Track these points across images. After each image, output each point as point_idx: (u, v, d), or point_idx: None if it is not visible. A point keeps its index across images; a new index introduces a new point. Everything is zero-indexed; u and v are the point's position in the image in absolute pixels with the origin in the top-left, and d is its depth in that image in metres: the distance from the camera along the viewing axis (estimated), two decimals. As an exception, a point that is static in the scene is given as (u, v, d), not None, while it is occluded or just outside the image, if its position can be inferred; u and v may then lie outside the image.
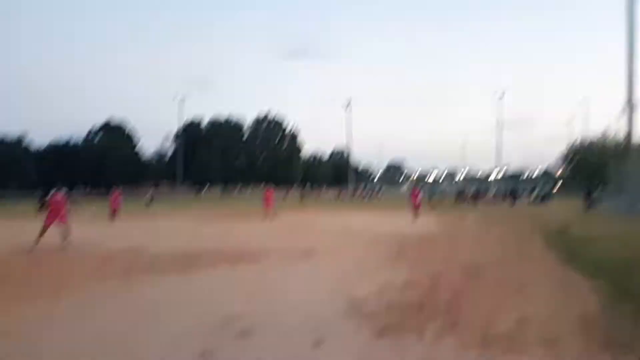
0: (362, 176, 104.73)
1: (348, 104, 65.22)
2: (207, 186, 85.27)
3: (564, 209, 26.80)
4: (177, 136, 70.48)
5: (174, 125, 72.64)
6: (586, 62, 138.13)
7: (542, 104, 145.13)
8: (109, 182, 54.16)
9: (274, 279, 7.10)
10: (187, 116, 75.86)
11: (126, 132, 77.99)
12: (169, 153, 78.94)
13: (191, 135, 73.07)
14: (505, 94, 60.04)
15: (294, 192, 66.57)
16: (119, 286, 6.52)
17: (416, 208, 19.36)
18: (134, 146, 77.41)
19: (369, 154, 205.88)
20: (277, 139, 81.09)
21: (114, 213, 19.68)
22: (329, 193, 64.35)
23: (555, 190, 58.60)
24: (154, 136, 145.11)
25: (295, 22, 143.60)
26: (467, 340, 4.12)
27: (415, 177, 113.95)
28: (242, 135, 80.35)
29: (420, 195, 20.98)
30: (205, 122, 78.43)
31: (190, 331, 4.48)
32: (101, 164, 65.49)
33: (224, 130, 76.28)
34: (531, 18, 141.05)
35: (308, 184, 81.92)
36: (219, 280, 7.01)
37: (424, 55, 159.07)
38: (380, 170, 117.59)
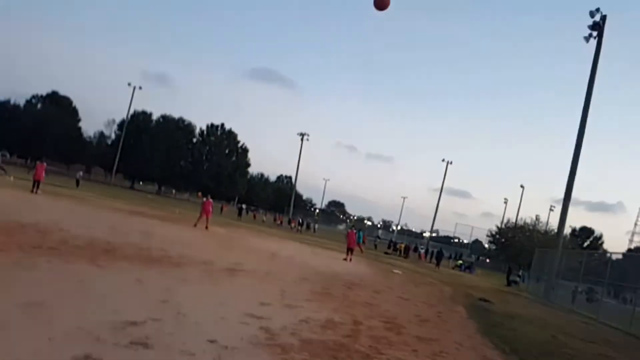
0: (304, 207, 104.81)
1: (303, 135, 65.65)
2: (144, 181, 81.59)
3: (487, 282, 27.87)
4: (124, 123, 66.81)
5: (124, 113, 68.91)
6: (527, 152, 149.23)
7: (481, 181, 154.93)
8: (43, 151, 50.38)
9: (189, 290, 6.50)
10: (139, 107, 72.59)
11: (72, 106, 73.77)
12: (113, 138, 75.04)
13: (138, 126, 69.77)
14: (450, 165, 62.68)
15: (233, 207, 65.14)
16: (7, 263, 5.71)
17: (350, 249, 19.27)
18: (77, 122, 73.27)
19: (313, 188, 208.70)
20: (227, 150, 79.30)
21: (36, 185, 18.38)
22: (268, 216, 63.38)
23: (480, 262, 61.28)
24: (100, 119, 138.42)
25: (263, 44, 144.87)
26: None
27: (354, 220, 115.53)
28: (192, 139, 77.80)
29: (356, 238, 20.96)
30: (155, 116, 75.27)
31: (75, 334, 3.85)
32: (39, 131, 60.83)
33: (174, 129, 73.43)
34: (484, 102, 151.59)
35: (249, 203, 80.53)
36: (129, 279, 6.34)
37: (379, 112, 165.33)
38: (322, 206, 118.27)
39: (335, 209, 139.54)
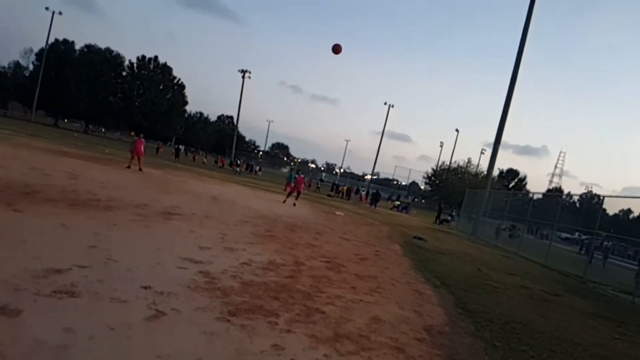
0: (247, 149, 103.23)
1: (244, 72, 62.86)
2: (69, 118, 75.80)
3: (421, 221, 29.39)
4: (43, 53, 60.17)
5: (42, 42, 61.95)
6: (464, 98, 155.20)
7: (421, 125, 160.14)
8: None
9: (121, 235, 6.14)
10: (60, 35, 65.61)
11: (-21, 31, 65.14)
12: (31, 69, 67.89)
13: (60, 57, 63.28)
14: (392, 108, 63.47)
15: (170, 148, 62.64)
16: None
17: (294, 192, 19.12)
18: (-13, 50, 65.24)
19: (256, 129, 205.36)
20: (161, 86, 74.59)
21: None
22: (208, 158, 61.73)
23: (416, 202, 64.48)
24: (15, 48, 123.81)
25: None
26: (320, 335, 3.90)
27: (297, 162, 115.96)
28: (121, 72, 72.04)
29: (304, 182, 20.82)
30: (79, 46, 68.48)
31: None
32: None
33: (100, 61, 67.32)
34: (425, 49, 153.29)
35: (187, 143, 77.76)
36: (52, 223, 5.86)
37: (325, 52, 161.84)
38: (265, 148, 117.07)
39: (279, 151, 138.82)
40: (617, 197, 17.35)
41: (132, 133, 21.47)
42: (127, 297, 3.82)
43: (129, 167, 17.46)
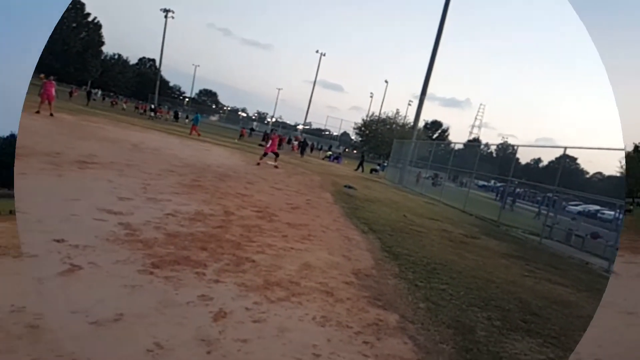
0: (171, 95, 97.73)
1: (167, 12, 58.21)
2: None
3: (352, 171, 30.08)
4: None
5: None
6: (394, 50, 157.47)
7: (353, 75, 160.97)
8: None
9: (29, 184, 5.57)
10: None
11: None
12: None
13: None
14: (325, 57, 62.72)
15: (83, 93, 57.59)
16: None
17: (276, 154, 17.30)
18: None
19: (181, 74, 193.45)
20: (74, 24, 67.43)
21: None
22: (128, 104, 57.66)
23: (347, 152, 65.70)
24: None
25: None
26: (250, 283, 3.88)
27: (227, 110, 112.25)
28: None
29: (277, 141, 18.36)
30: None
31: None
32: None
33: (2, -8, 59.08)
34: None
35: (104, 88, 72.00)
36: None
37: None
38: (192, 95, 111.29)
39: (207, 98, 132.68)
40: (530, 146, 18.83)
41: (42, 75, 19.26)
42: (37, 251, 3.50)
43: (38, 112, 15.81)
